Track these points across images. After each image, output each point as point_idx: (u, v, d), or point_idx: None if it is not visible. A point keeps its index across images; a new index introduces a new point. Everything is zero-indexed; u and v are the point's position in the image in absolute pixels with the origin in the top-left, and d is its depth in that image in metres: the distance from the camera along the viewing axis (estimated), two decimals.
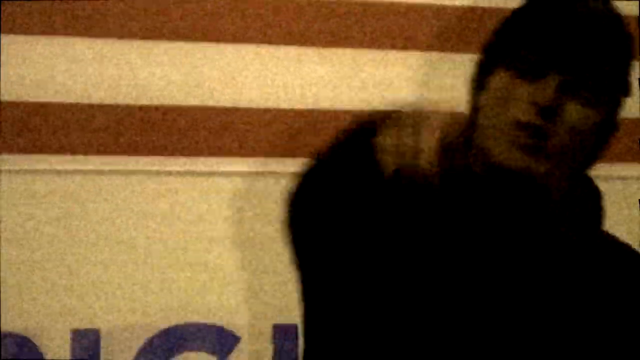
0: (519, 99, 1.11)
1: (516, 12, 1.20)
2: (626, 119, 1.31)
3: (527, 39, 1.14)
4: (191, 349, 1.82)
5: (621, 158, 1.92)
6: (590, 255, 1.21)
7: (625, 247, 1.27)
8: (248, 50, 1.83)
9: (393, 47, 1.86)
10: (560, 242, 1.19)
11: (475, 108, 1.17)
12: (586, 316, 1.18)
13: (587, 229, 1.23)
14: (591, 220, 1.24)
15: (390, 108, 1.15)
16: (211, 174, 1.84)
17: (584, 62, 1.14)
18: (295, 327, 1.75)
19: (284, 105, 1.83)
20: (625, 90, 1.20)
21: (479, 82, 1.18)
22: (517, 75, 1.13)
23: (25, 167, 1.76)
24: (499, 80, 1.14)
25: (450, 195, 1.15)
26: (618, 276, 1.23)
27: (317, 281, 1.19)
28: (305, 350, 1.25)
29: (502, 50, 1.17)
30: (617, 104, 1.20)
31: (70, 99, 1.75)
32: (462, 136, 1.14)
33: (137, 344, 1.81)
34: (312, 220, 1.19)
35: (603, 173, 1.30)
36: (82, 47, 1.76)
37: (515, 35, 1.17)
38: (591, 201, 1.25)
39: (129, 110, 1.79)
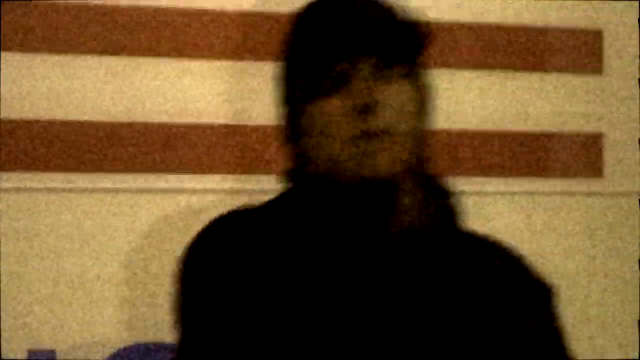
0: (340, 113, 1.12)
1: (297, 31, 1.20)
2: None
3: (318, 54, 1.14)
4: None
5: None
6: (450, 250, 1.22)
7: (483, 238, 1.27)
8: None
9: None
10: (418, 242, 1.20)
11: (295, 139, 1.20)
12: (453, 308, 1.18)
13: (442, 227, 1.24)
14: (444, 219, 1.24)
15: None
16: (166, 190, 1.83)
17: (384, 43, 1.13)
18: None
19: None
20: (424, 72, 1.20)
21: (292, 113, 1.19)
22: (327, 94, 1.13)
23: None
24: (315, 108, 1.14)
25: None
26: (479, 265, 1.24)
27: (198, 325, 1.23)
28: None
29: (302, 76, 1.16)
30: (419, 73, 1.18)
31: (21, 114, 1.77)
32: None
33: None
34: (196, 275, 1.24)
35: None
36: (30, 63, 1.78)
37: (308, 54, 1.16)
38: (443, 202, 1.26)
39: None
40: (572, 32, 2.16)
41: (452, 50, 2.05)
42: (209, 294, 1.23)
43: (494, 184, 2.14)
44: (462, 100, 2.07)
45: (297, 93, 1.19)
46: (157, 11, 1.84)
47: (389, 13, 1.19)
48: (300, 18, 1.22)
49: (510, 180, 2.14)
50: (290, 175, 1.26)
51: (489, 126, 2.09)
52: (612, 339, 2.37)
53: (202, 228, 1.29)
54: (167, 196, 1.82)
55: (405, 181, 1.18)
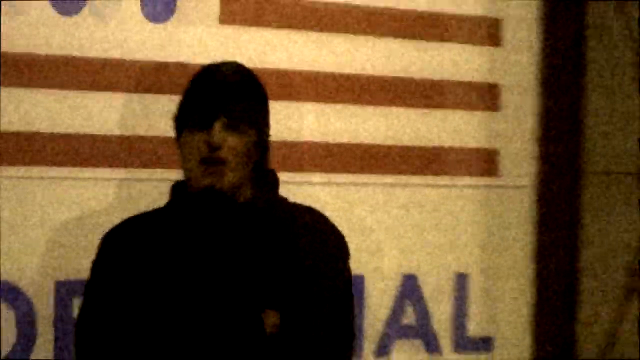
0: (198, 144, 1.81)
1: (189, 86, 1.90)
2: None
3: (194, 106, 1.83)
4: None
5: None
6: (276, 214, 1.91)
7: (298, 204, 1.96)
8: None
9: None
10: (253, 216, 1.87)
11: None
12: (272, 250, 1.84)
13: (268, 199, 1.91)
14: (269, 194, 1.93)
15: None
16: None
17: (233, 109, 1.82)
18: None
19: None
20: (265, 123, 1.90)
21: (177, 140, 1.89)
22: (195, 131, 1.81)
23: None
24: (185, 137, 1.84)
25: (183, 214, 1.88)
26: (290, 220, 1.91)
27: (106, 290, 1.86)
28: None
29: (183, 118, 1.86)
30: (262, 132, 1.89)
31: None
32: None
33: None
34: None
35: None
36: None
37: (188, 106, 1.86)
38: (269, 182, 1.94)
39: None
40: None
41: None
42: (111, 271, 1.87)
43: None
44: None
45: (180, 125, 1.88)
46: None
47: (244, 85, 1.88)
48: (192, 81, 1.91)
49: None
50: (172, 187, 1.95)
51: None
52: (507, 316, 2.73)
53: (111, 228, 1.95)
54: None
55: (239, 186, 1.84)
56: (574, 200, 2.78)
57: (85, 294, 1.97)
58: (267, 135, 1.96)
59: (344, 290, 1.97)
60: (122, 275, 1.90)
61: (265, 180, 1.99)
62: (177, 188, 1.98)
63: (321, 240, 1.97)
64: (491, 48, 2.67)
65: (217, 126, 1.82)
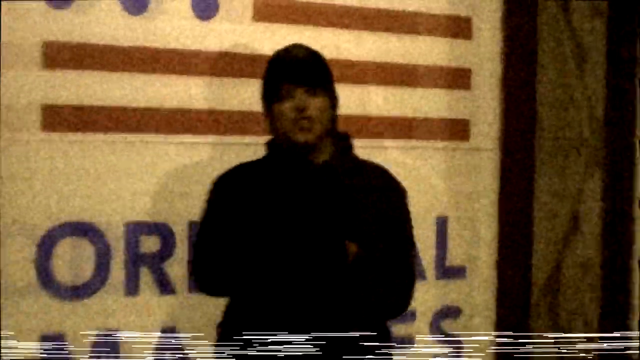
0: (288, 110, 2.06)
1: (268, 67, 2.14)
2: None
3: (279, 81, 2.08)
4: None
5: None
6: (351, 169, 2.16)
7: (368, 161, 2.23)
8: None
9: None
10: (333, 170, 2.13)
11: (270, 121, 2.14)
12: (351, 203, 2.10)
13: (344, 157, 2.18)
14: (345, 151, 2.19)
15: None
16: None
17: (310, 78, 2.08)
18: None
19: None
20: (333, 89, 2.13)
21: (268, 111, 2.14)
22: (283, 101, 2.07)
23: None
24: (276, 107, 2.08)
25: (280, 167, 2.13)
26: (371, 177, 2.19)
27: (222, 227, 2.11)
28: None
29: (271, 93, 2.10)
30: (333, 96, 2.13)
31: None
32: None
33: None
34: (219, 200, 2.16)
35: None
36: None
37: (273, 82, 2.10)
38: (343, 142, 2.20)
39: None
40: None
41: None
42: (222, 209, 2.14)
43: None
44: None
45: (268, 99, 2.13)
46: None
47: (313, 60, 2.14)
48: (270, 62, 2.15)
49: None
50: (267, 144, 2.19)
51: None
52: (477, 250, 3.00)
53: (221, 174, 2.21)
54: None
55: (322, 141, 2.10)
56: (530, 161, 2.98)
57: (202, 226, 2.19)
58: (336, 100, 2.18)
59: (405, 229, 2.20)
60: (231, 212, 2.11)
61: (340, 141, 2.20)
62: (272, 145, 2.18)
63: (386, 188, 2.21)
64: (465, 41, 2.92)
65: (300, 92, 2.06)
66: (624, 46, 3.05)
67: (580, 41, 3.02)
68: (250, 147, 2.33)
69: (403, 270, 2.15)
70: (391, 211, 2.17)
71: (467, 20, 2.90)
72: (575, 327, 3.03)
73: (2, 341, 2.29)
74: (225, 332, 2.18)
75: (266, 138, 2.18)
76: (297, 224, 2.06)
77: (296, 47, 2.18)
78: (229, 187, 2.17)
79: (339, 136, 2.21)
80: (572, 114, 3.02)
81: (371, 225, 2.11)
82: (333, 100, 2.15)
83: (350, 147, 2.22)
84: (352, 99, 2.66)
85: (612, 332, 3.00)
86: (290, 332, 2.02)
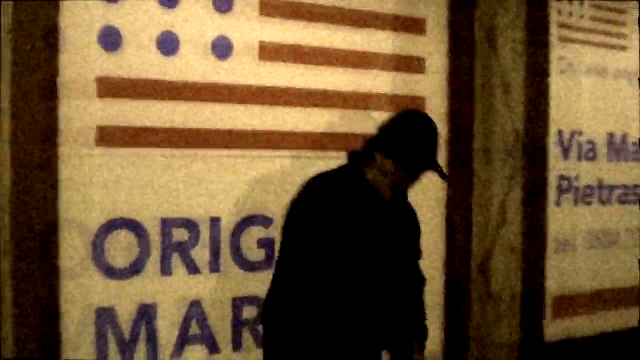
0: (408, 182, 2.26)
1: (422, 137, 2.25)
2: None
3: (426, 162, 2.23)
4: None
5: None
6: (406, 204, 2.38)
7: (408, 202, 2.40)
8: None
9: None
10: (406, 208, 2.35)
11: (374, 168, 2.24)
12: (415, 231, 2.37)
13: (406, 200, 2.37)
14: (404, 198, 2.37)
15: None
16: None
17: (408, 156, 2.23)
18: None
19: None
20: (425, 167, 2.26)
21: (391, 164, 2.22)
22: (411, 175, 2.24)
23: None
24: (402, 173, 2.23)
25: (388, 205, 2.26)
26: (412, 212, 2.40)
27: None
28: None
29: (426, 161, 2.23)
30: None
31: None
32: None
33: None
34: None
35: None
36: None
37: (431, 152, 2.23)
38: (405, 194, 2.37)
39: None
40: None
41: None
42: (339, 219, 2.15)
43: None
44: None
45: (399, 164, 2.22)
46: None
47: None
48: (420, 129, 2.25)
49: None
50: (350, 154, 2.31)
51: None
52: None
53: (305, 181, 2.27)
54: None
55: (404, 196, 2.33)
56: (468, 169, 3.24)
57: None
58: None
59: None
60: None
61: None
62: (356, 172, 2.25)
63: (416, 220, 2.40)
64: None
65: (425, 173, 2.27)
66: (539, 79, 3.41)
67: (505, 76, 3.31)
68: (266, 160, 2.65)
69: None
70: (417, 241, 2.40)
71: (421, 59, 3.16)
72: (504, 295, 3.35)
73: (63, 314, 2.44)
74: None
75: None
76: (382, 243, 2.21)
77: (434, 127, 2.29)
78: (314, 194, 2.20)
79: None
80: (498, 131, 3.30)
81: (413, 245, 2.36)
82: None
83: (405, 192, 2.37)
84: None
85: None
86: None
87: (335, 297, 2.11)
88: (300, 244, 2.16)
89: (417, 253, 2.38)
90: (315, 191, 2.21)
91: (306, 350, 2.14)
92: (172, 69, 2.62)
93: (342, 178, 2.22)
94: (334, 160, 2.45)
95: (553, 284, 3.52)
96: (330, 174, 2.26)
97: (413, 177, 2.24)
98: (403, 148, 2.19)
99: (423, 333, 2.36)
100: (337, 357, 2.13)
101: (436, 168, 2.22)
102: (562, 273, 3.57)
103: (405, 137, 2.20)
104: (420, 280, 2.42)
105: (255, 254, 2.78)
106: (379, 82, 3.04)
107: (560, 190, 3.57)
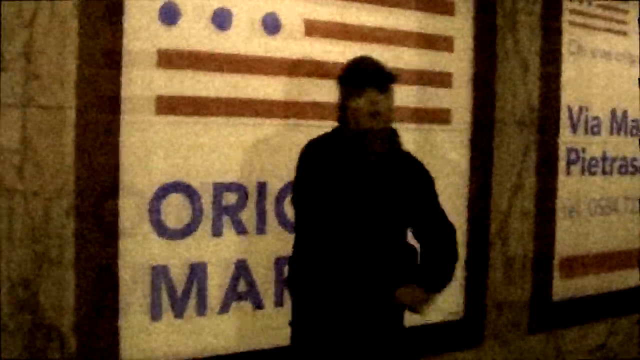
0: (364, 103, 2.14)
1: (347, 70, 2.22)
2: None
3: (358, 81, 2.15)
4: None
5: None
6: (400, 157, 2.25)
7: (409, 154, 2.32)
8: None
9: None
10: (390, 153, 2.21)
11: (345, 113, 2.20)
12: (409, 182, 2.22)
13: (396, 145, 2.26)
14: (396, 141, 2.26)
15: None
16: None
17: (382, 81, 2.17)
18: None
19: None
20: (393, 92, 2.19)
21: (343, 98, 2.20)
22: (360, 95, 2.14)
23: None
24: (354, 100, 2.16)
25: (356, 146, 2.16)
26: (411, 163, 2.29)
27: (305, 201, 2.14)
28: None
29: (347, 86, 2.17)
30: (393, 97, 2.20)
31: None
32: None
33: None
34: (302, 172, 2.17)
35: None
36: None
37: (353, 82, 2.17)
38: (394, 134, 2.26)
39: None
40: None
41: None
42: (310, 175, 2.14)
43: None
44: None
45: (346, 96, 2.19)
46: None
47: (383, 68, 2.19)
48: (348, 67, 2.23)
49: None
50: (339, 120, 2.24)
51: None
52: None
53: (307, 142, 2.21)
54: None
55: (384, 129, 2.17)
56: (490, 139, 3.22)
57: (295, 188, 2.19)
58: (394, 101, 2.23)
59: (438, 204, 2.31)
60: (316, 177, 2.12)
61: (394, 135, 2.24)
62: (339, 132, 2.18)
63: (423, 173, 2.29)
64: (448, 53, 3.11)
65: (373, 91, 2.13)
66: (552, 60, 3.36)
67: (524, 56, 3.29)
68: (310, 129, 2.52)
69: (453, 236, 2.27)
70: (427, 191, 2.28)
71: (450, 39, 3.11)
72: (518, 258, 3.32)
73: (121, 273, 2.36)
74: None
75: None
76: (369, 196, 2.11)
77: (367, 57, 2.27)
78: (315, 155, 2.17)
79: (391, 130, 2.25)
80: (516, 105, 3.28)
81: (413, 199, 2.19)
82: (393, 101, 2.21)
83: (399, 140, 2.26)
84: None
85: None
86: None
87: (323, 251, 2.09)
88: (294, 204, 2.22)
89: (428, 202, 2.25)
90: (302, 154, 2.20)
91: (314, 305, 2.14)
92: (226, 43, 2.53)
93: (325, 137, 2.21)
94: None
95: (562, 247, 3.49)
96: (320, 136, 2.22)
97: (358, 93, 2.14)
98: (341, 76, 2.23)
99: (436, 278, 2.20)
100: (344, 307, 2.10)
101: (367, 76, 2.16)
102: (570, 237, 3.53)
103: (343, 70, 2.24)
104: (442, 230, 2.29)
105: None
106: (410, 58, 2.97)
107: (569, 161, 3.53)
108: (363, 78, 2.16)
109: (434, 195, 2.32)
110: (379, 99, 2.14)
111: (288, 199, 2.66)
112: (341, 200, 2.09)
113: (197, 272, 2.51)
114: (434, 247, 2.25)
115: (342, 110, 2.23)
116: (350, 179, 2.11)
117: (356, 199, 2.09)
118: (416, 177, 2.26)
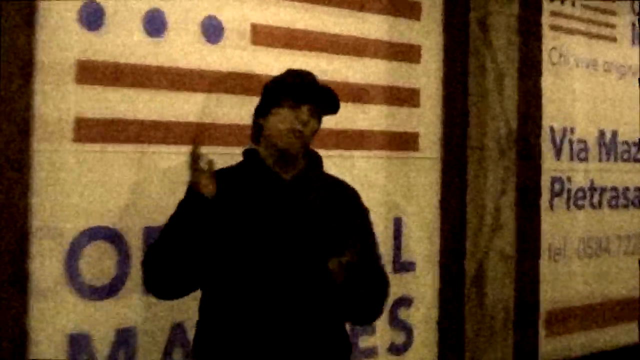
0: (289, 118, 2.44)
1: (278, 77, 2.56)
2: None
3: (287, 92, 2.46)
4: None
5: None
6: (322, 181, 2.58)
7: (335, 178, 2.64)
8: None
9: None
10: (310, 180, 2.53)
11: (260, 126, 2.53)
12: (334, 218, 2.49)
13: (317, 168, 2.60)
14: (317, 164, 2.61)
15: None
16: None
17: (318, 100, 2.48)
18: None
19: None
20: (332, 112, 2.54)
21: (262, 112, 2.51)
22: (287, 108, 2.45)
23: None
24: (278, 111, 2.46)
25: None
26: (338, 192, 2.60)
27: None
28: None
29: (274, 99, 2.48)
30: (320, 122, 2.53)
31: None
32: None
33: None
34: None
35: None
36: None
37: (279, 92, 2.48)
38: (315, 157, 2.61)
39: None
40: None
41: None
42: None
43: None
44: None
45: (266, 108, 2.50)
46: None
47: (321, 89, 2.51)
48: (278, 77, 2.57)
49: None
50: (246, 152, 2.56)
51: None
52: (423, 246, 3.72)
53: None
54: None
55: (300, 152, 2.49)
56: (462, 167, 3.74)
57: (167, 225, 2.41)
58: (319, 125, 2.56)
59: (373, 242, 2.62)
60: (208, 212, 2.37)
61: (313, 157, 2.58)
62: (248, 153, 2.53)
63: (353, 202, 2.59)
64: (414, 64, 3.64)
65: (306, 108, 2.45)
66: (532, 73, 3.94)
67: (499, 71, 3.82)
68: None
69: (379, 276, 2.54)
70: (357, 224, 2.55)
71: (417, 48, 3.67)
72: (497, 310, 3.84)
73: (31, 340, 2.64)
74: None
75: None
76: (271, 236, 2.41)
77: (304, 71, 2.62)
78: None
79: (310, 153, 2.59)
80: (492, 127, 3.80)
81: (339, 236, 2.39)
82: (318, 125, 2.55)
83: (320, 163, 2.62)
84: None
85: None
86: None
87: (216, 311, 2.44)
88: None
89: (356, 241, 2.41)
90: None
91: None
92: (160, 53, 2.95)
93: (232, 166, 2.58)
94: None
95: (547, 297, 4.05)
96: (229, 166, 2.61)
97: (289, 106, 2.46)
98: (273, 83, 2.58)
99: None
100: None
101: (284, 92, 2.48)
102: (557, 284, 4.12)
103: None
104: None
105: None
106: (369, 70, 3.53)
107: (553, 193, 4.13)
108: (296, 89, 2.49)
109: (368, 235, 2.62)
110: (311, 120, 2.48)
111: None
112: (234, 240, 2.41)
113: (124, 339, 2.83)
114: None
115: (257, 128, 2.59)
116: (250, 212, 2.44)
117: (254, 238, 2.42)
118: (345, 210, 2.56)
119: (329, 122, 2.86)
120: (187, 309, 2.87)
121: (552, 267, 4.15)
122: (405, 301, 3.68)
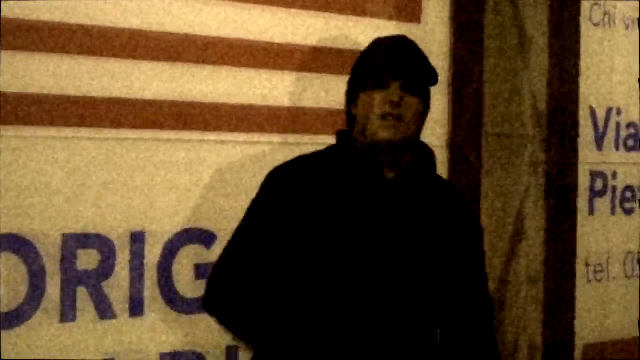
0: (378, 102, 2.52)
1: (364, 53, 2.67)
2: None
3: (373, 70, 2.55)
4: None
5: None
6: (433, 188, 2.69)
7: (446, 181, 2.91)
8: None
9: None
10: (416, 183, 2.62)
11: (351, 113, 2.66)
12: (444, 230, 2.62)
13: (429, 170, 2.70)
14: (430, 165, 2.71)
15: None
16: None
17: (411, 72, 2.56)
18: None
19: None
20: (429, 96, 2.62)
21: (351, 98, 2.64)
22: (375, 91, 2.54)
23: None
24: (365, 95, 2.56)
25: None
26: (448, 197, 2.71)
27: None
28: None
29: (361, 81, 2.58)
30: (429, 95, 2.63)
31: None
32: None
33: None
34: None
35: None
36: None
37: (366, 71, 2.58)
38: (426, 151, 2.71)
39: None
40: None
41: None
42: (277, 208, 2.56)
43: None
44: None
45: (357, 88, 2.60)
46: None
47: (419, 58, 2.59)
48: (367, 49, 2.66)
49: None
50: (339, 134, 2.70)
51: None
52: None
53: (279, 165, 2.68)
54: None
55: (402, 145, 2.55)
56: (477, 157, 3.74)
57: (240, 230, 2.62)
58: (429, 109, 2.64)
59: (483, 269, 2.76)
60: (284, 214, 2.53)
61: (423, 154, 2.66)
62: (342, 136, 2.65)
63: (467, 216, 2.72)
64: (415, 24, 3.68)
65: (395, 86, 2.50)
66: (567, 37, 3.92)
67: (524, 33, 3.82)
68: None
69: (489, 307, 2.76)
70: (470, 245, 2.70)
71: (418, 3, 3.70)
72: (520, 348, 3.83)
73: None
74: None
75: None
76: (368, 247, 2.51)
77: (401, 37, 2.69)
78: (286, 185, 2.58)
79: (421, 147, 2.68)
80: (516, 109, 3.81)
81: (447, 257, 2.57)
82: (425, 108, 2.62)
83: (432, 160, 2.69)
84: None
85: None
86: None
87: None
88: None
89: (470, 265, 2.66)
90: (264, 185, 2.69)
91: None
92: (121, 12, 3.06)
93: (304, 159, 2.70)
94: None
95: (585, 328, 4.04)
96: (300, 157, 2.75)
97: (374, 85, 2.57)
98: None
99: None
100: None
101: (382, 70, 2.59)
102: (597, 311, 4.13)
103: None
104: (483, 311, 2.78)
105: None
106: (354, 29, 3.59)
107: (593, 193, 4.16)
108: (385, 62, 2.56)
109: (480, 255, 2.77)
110: (401, 96, 2.53)
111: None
112: (323, 250, 2.53)
113: None
114: (475, 342, 2.75)
115: (349, 117, 2.69)
116: (343, 220, 2.53)
117: (348, 250, 2.52)
118: (458, 222, 2.69)
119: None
120: (119, 338, 3.05)
121: (591, 289, 4.17)
122: None
